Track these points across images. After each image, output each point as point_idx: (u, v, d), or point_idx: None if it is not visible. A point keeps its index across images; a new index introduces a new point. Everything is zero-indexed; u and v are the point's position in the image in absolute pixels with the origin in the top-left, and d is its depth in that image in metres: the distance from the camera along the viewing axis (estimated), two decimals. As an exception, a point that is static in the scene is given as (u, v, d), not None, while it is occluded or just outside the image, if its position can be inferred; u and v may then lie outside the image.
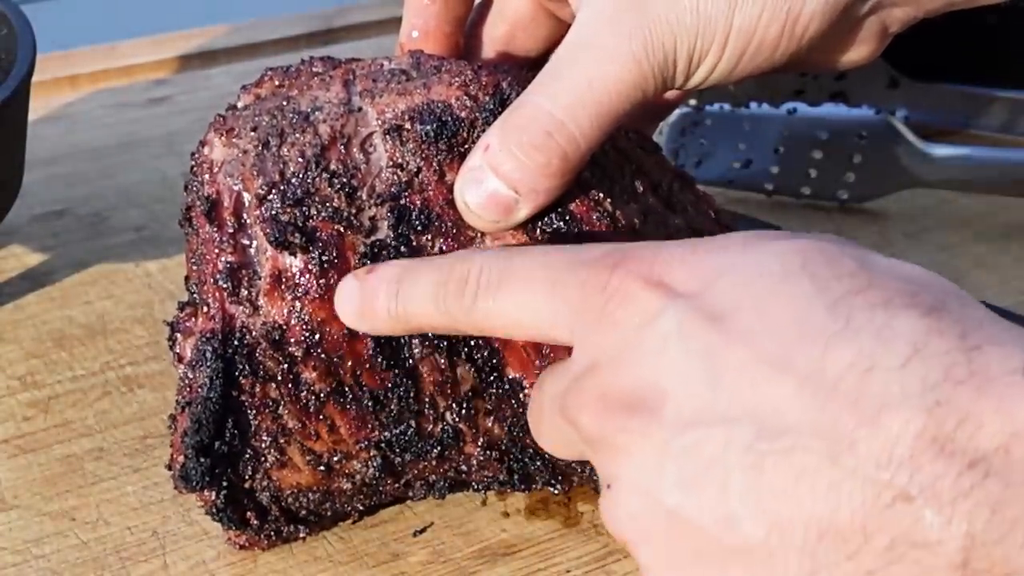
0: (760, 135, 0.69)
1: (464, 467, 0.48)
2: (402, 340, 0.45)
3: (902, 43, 0.72)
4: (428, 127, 0.44)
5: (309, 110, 0.46)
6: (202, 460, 0.45)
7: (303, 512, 0.48)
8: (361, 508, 0.50)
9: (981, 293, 0.64)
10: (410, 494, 0.50)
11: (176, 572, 0.49)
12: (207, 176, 0.46)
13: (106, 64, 0.82)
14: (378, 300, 0.43)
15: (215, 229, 0.45)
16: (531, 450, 0.47)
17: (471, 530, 0.51)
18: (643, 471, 0.36)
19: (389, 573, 0.49)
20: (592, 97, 0.43)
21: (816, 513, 0.33)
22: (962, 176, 0.69)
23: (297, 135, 0.45)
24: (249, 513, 0.47)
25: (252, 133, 0.46)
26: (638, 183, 0.48)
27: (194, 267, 0.47)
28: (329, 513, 0.49)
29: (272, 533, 0.48)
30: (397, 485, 0.49)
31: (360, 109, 0.46)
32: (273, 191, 0.44)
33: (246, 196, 0.45)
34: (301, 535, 0.49)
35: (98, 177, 0.72)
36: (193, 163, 0.47)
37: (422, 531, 0.51)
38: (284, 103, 0.46)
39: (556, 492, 0.51)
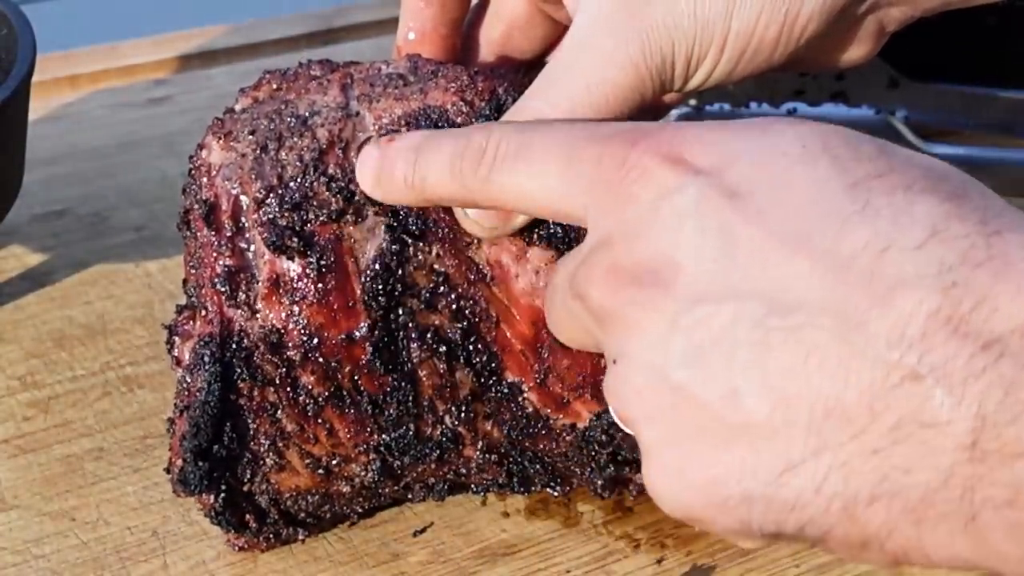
0: (760, 135, 0.69)
1: (463, 470, 0.48)
2: (400, 344, 0.45)
3: (902, 43, 0.72)
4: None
5: (307, 114, 0.46)
6: (200, 464, 0.45)
7: (302, 515, 0.48)
8: (360, 511, 0.50)
9: (981, 293, 0.64)
10: (409, 496, 0.50)
11: (176, 572, 0.49)
12: (205, 180, 0.46)
13: (106, 64, 0.82)
14: (396, 167, 0.42)
15: (213, 233, 0.45)
16: (530, 453, 0.47)
17: (471, 530, 0.51)
18: (651, 345, 0.35)
19: (389, 573, 0.49)
20: (590, 101, 0.43)
21: (823, 391, 0.32)
22: (962, 176, 0.69)
23: (295, 139, 0.45)
24: (248, 516, 0.47)
25: (250, 137, 0.46)
26: None
27: (192, 270, 0.47)
28: (328, 515, 0.49)
29: (271, 535, 0.49)
30: (396, 488, 0.49)
31: (358, 114, 0.46)
32: (271, 195, 0.44)
33: (244, 200, 0.45)
34: (300, 537, 0.49)
35: (98, 177, 0.72)
36: (191, 166, 0.47)
37: (422, 531, 0.51)
38: (282, 107, 0.47)
39: (555, 494, 0.51)
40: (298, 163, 0.45)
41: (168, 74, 0.82)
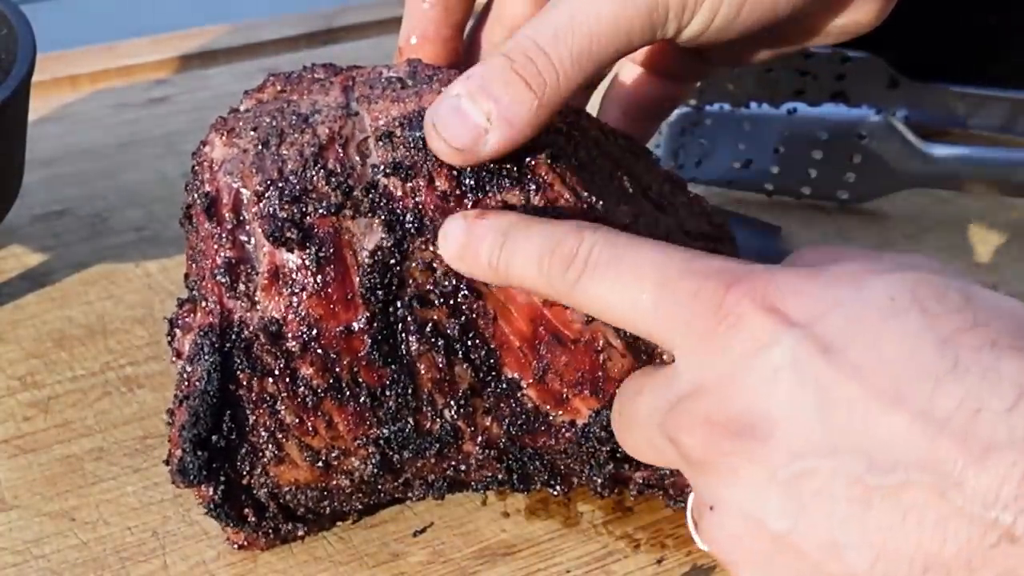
0: (760, 135, 0.69)
1: (463, 466, 0.48)
2: (399, 337, 0.45)
3: (902, 43, 0.72)
4: (416, 133, 0.44)
5: (308, 112, 0.46)
6: (199, 454, 0.45)
7: (301, 510, 0.48)
8: (360, 507, 0.50)
9: (981, 293, 0.64)
10: (409, 494, 0.50)
11: (176, 572, 0.49)
12: (207, 175, 0.46)
13: (106, 64, 0.82)
14: (482, 247, 0.43)
15: (214, 225, 0.45)
16: (530, 450, 0.47)
17: (471, 530, 0.51)
18: (749, 496, 0.36)
19: (389, 573, 0.49)
20: (573, 30, 0.42)
21: (922, 547, 0.34)
22: (962, 176, 0.69)
23: (296, 135, 0.46)
24: (247, 510, 0.47)
25: (252, 133, 0.46)
26: (629, 186, 0.48)
27: (193, 264, 0.47)
28: (328, 511, 0.49)
29: (270, 531, 0.49)
30: (396, 484, 0.49)
31: (357, 113, 0.46)
32: (271, 188, 0.45)
33: (245, 193, 0.45)
34: (299, 533, 0.49)
35: (98, 177, 0.72)
36: (194, 162, 0.47)
37: (422, 531, 0.51)
38: (284, 106, 0.47)
39: (555, 493, 0.51)
40: (298, 157, 0.45)
41: (168, 74, 0.82)
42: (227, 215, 0.45)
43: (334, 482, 0.47)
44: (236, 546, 0.49)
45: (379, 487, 0.48)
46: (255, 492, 0.47)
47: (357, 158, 0.45)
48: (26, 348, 0.60)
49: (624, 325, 0.41)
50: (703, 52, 0.52)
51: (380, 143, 0.45)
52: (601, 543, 0.51)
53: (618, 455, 0.47)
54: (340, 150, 0.45)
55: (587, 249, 0.41)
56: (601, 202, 0.46)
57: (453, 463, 0.48)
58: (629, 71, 0.55)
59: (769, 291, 0.38)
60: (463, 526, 0.51)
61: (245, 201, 0.45)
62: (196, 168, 0.47)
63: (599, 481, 0.49)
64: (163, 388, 0.58)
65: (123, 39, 0.85)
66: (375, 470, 0.47)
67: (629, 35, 0.43)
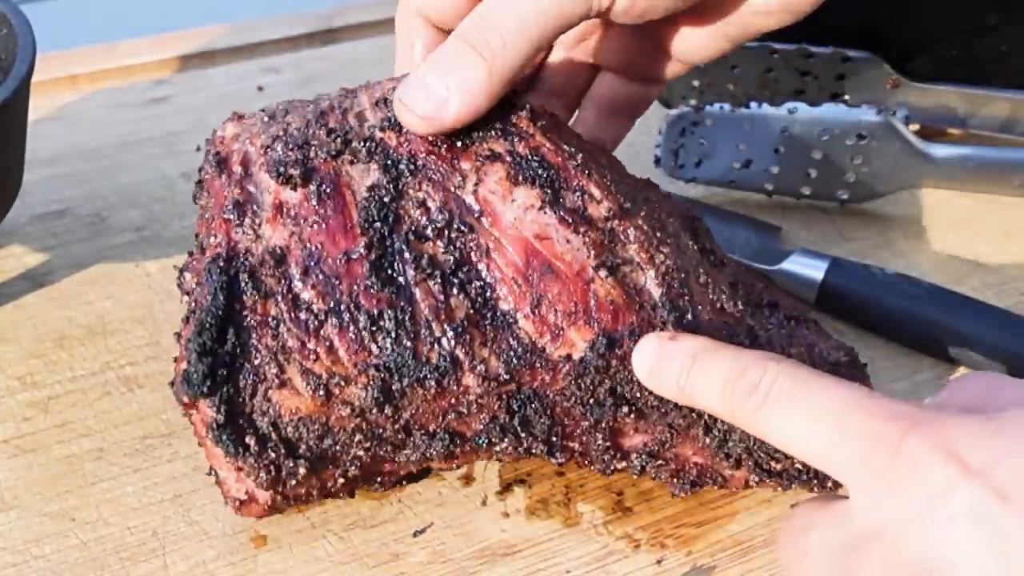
0: (760, 135, 0.69)
1: (463, 407, 0.48)
2: (396, 268, 0.48)
3: (902, 43, 0.72)
4: None
5: (314, 97, 0.53)
6: (204, 360, 0.47)
7: (302, 447, 0.48)
8: (361, 454, 0.49)
9: (981, 293, 0.64)
10: (409, 453, 0.49)
11: (176, 572, 0.49)
12: (219, 146, 0.51)
13: (106, 64, 0.82)
14: (671, 369, 0.46)
15: (224, 178, 0.50)
16: (528, 389, 0.48)
17: (471, 530, 0.51)
18: None
19: (389, 573, 0.49)
20: (514, 1, 0.47)
21: None
22: (962, 176, 0.69)
23: (300, 109, 0.52)
24: (248, 437, 0.48)
25: (261, 112, 0.52)
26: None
27: (204, 222, 0.50)
28: (329, 455, 0.49)
29: (271, 467, 0.48)
30: (396, 427, 0.48)
31: (355, 94, 0.52)
32: (276, 141, 0.50)
33: (252, 150, 0.50)
34: (300, 472, 0.48)
35: (98, 177, 0.72)
36: (208, 146, 0.51)
37: (422, 531, 0.51)
38: (292, 100, 0.53)
39: (556, 462, 0.50)
40: (301, 121, 0.51)
41: (168, 74, 0.82)
42: (236, 168, 0.50)
43: (334, 416, 0.48)
44: (236, 504, 0.49)
45: (379, 431, 0.48)
46: (257, 422, 0.48)
47: (355, 121, 0.50)
48: (26, 348, 0.60)
49: (802, 457, 0.42)
50: (662, 43, 0.54)
51: (376, 107, 0.51)
52: (601, 543, 0.51)
53: (618, 392, 0.48)
54: (340, 115, 0.51)
55: (769, 381, 0.43)
56: (581, 154, 0.50)
57: (453, 401, 0.48)
58: (601, 77, 0.58)
59: (948, 437, 0.38)
60: (463, 526, 0.51)
61: (252, 156, 0.50)
62: (209, 148, 0.52)
63: (600, 442, 0.49)
64: (163, 388, 0.58)
65: (123, 39, 0.85)
66: (375, 399, 0.47)
67: (563, 12, 0.47)
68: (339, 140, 0.49)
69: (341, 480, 0.50)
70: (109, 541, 0.50)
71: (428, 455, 0.50)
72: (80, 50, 0.83)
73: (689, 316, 0.49)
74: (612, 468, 0.51)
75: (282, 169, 0.49)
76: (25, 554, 0.50)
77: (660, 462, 0.51)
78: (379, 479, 0.51)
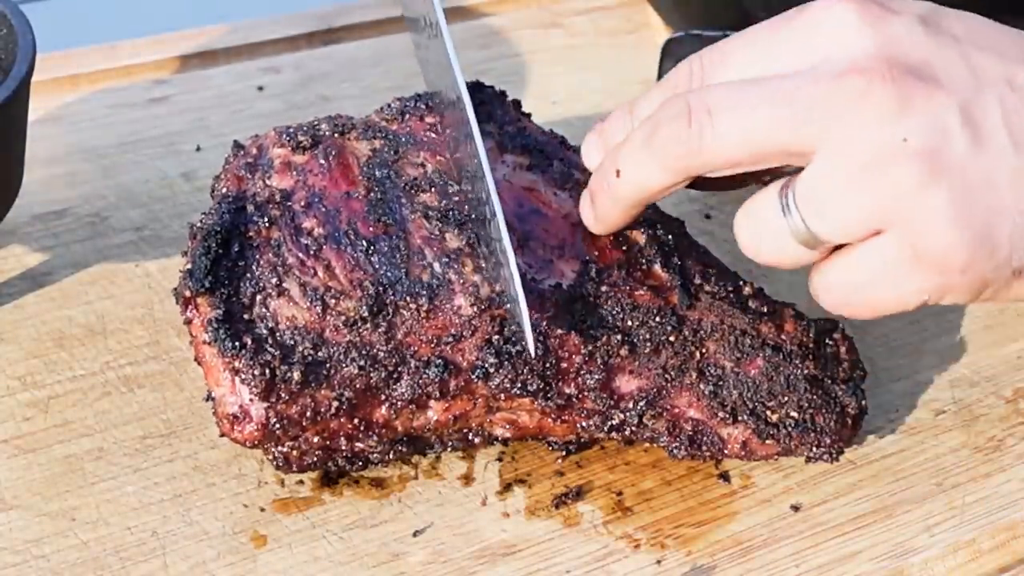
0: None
1: (456, 328, 0.49)
2: (393, 205, 0.52)
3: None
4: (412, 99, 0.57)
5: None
6: (208, 257, 0.50)
7: (297, 354, 0.49)
8: (355, 373, 0.49)
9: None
10: (403, 385, 0.49)
11: (176, 572, 0.49)
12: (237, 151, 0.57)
13: (106, 64, 0.82)
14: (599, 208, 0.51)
15: (240, 158, 0.55)
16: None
17: (471, 530, 0.51)
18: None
19: (389, 573, 0.49)
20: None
21: None
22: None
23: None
24: (245, 336, 0.49)
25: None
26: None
27: (215, 191, 0.55)
28: (324, 372, 0.49)
29: (266, 369, 0.48)
30: (390, 346, 0.49)
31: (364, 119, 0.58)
32: (288, 130, 0.56)
33: (266, 141, 0.56)
34: (295, 378, 0.48)
35: (98, 177, 0.72)
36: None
37: (422, 531, 0.51)
38: None
39: (551, 404, 0.50)
40: (308, 122, 0.57)
41: (168, 74, 0.82)
42: (251, 150, 0.56)
43: (329, 328, 0.49)
44: (229, 421, 0.49)
45: (373, 351, 0.49)
46: (254, 324, 0.49)
47: (359, 118, 0.56)
48: (26, 348, 0.60)
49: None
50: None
51: (377, 113, 0.57)
52: (601, 543, 0.51)
53: (608, 321, 0.50)
54: (346, 117, 0.57)
55: (697, 99, 0.46)
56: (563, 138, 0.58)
57: (446, 323, 0.49)
58: None
59: None
60: (463, 526, 0.51)
61: (266, 142, 0.56)
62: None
63: (595, 380, 0.50)
64: (163, 388, 0.58)
65: (123, 39, 0.85)
66: (369, 308, 0.49)
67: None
68: (344, 127, 0.55)
69: (336, 404, 0.49)
70: (109, 541, 0.50)
71: (423, 388, 0.50)
72: (80, 50, 0.83)
73: (675, 259, 0.52)
74: (609, 423, 0.51)
75: (291, 139, 0.55)
76: (25, 554, 0.50)
77: (657, 411, 0.51)
78: (375, 432, 0.51)
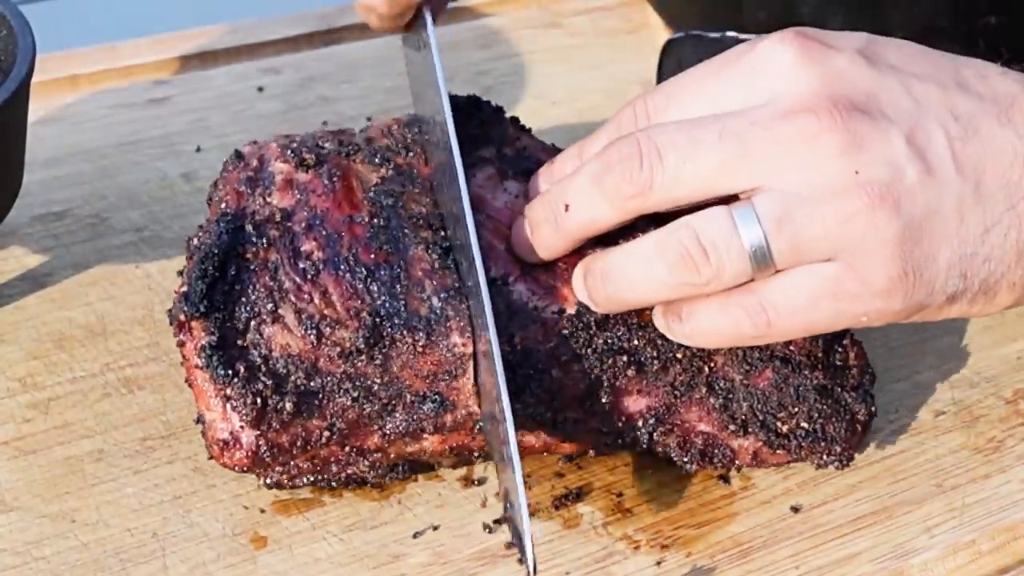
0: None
1: (452, 365, 0.49)
2: (396, 233, 0.51)
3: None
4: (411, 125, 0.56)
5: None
6: (204, 281, 0.49)
7: (290, 384, 0.48)
8: (348, 405, 0.49)
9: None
10: (397, 417, 0.49)
11: (176, 574, 0.49)
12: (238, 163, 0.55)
13: (106, 64, 0.82)
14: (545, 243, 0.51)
15: (241, 170, 0.54)
16: (522, 349, 0.49)
17: (471, 531, 0.51)
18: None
19: (389, 575, 0.49)
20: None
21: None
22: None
23: (312, 133, 0.57)
24: (238, 364, 0.48)
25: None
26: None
27: (213, 204, 0.54)
28: (316, 401, 0.49)
29: (257, 398, 0.48)
30: (385, 379, 0.48)
31: (368, 127, 0.57)
32: (291, 143, 0.55)
33: (268, 152, 0.55)
34: (287, 409, 0.48)
35: (98, 177, 0.72)
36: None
37: (422, 533, 0.51)
38: None
39: (549, 416, 0.50)
40: (314, 135, 0.56)
41: (168, 74, 0.82)
42: (252, 162, 0.54)
43: (324, 358, 0.49)
44: (219, 446, 0.49)
45: (368, 382, 0.49)
46: (248, 351, 0.49)
47: (361, 141, 0.55)
48: (26, 349, 0.60)
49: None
50: None
51: (384, 135, 0.56)
52: (601, 544, 0.51)
53: (614, 345, 0.49)
54: (351, 135, 0.56)
55: (647, 140, 0.47)
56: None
57: (441, 359, 0.49)
58: None
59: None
60: (463, 527, 0.51)
61: (268, 154, 0.55)
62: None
63: (603, 403, 0.50)
64: (163, 389, 0.58)
65: (123, 39, 0.85)
66: (365, 338, 0.48)
67: None
68: (349, 147, 0.54)
69: (327, 434, 0.49)
70: (109, 543, 0.50)
71: (419, 422, 0.49)
72: (80, 50, 0.83)
73: None
74: (620, 441, 0.51)
75: (296, 156, 0.54)
76: (25, 556, 0.50)
77: (667, 428, 0.51)
78: (368, 458, 0.50)
